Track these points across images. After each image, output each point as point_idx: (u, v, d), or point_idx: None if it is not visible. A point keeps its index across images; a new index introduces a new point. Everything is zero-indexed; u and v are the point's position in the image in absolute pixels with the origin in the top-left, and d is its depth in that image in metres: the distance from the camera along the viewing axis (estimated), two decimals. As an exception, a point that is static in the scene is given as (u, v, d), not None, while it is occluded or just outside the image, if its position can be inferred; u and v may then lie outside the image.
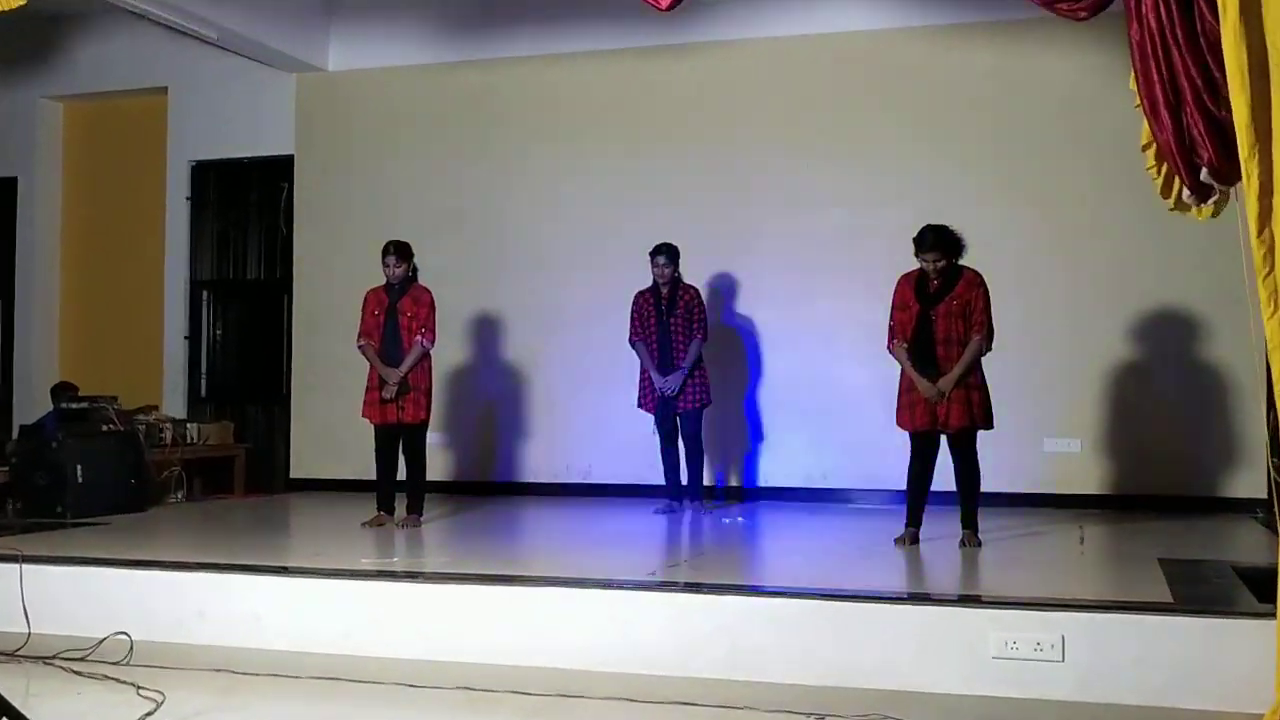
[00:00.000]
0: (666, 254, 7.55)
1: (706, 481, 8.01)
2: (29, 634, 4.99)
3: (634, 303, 7.71)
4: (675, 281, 7.61)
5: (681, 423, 7.61)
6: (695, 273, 7.96)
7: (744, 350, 8.53)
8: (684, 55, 8.75)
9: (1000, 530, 6.53)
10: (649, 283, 7.70)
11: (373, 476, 7.09)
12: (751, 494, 8.43)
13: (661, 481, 7.79)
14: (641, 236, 8.10)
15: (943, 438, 6.04)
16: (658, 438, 7.68)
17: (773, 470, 8.42)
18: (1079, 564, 5.79)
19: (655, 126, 8.83)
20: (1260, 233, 3.75)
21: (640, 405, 7.68)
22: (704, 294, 7.90)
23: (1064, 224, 8.03)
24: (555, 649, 4.67)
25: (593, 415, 8.73)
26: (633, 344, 7.67)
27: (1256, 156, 3.72)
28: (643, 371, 7.63)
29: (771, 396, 8.47)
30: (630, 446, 8.45)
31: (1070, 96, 8.01)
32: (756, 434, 8.49)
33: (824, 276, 8.36)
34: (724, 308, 8.54)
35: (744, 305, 8.57)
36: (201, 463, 9.09)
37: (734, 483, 8.51)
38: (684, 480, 7.70)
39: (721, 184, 8.63)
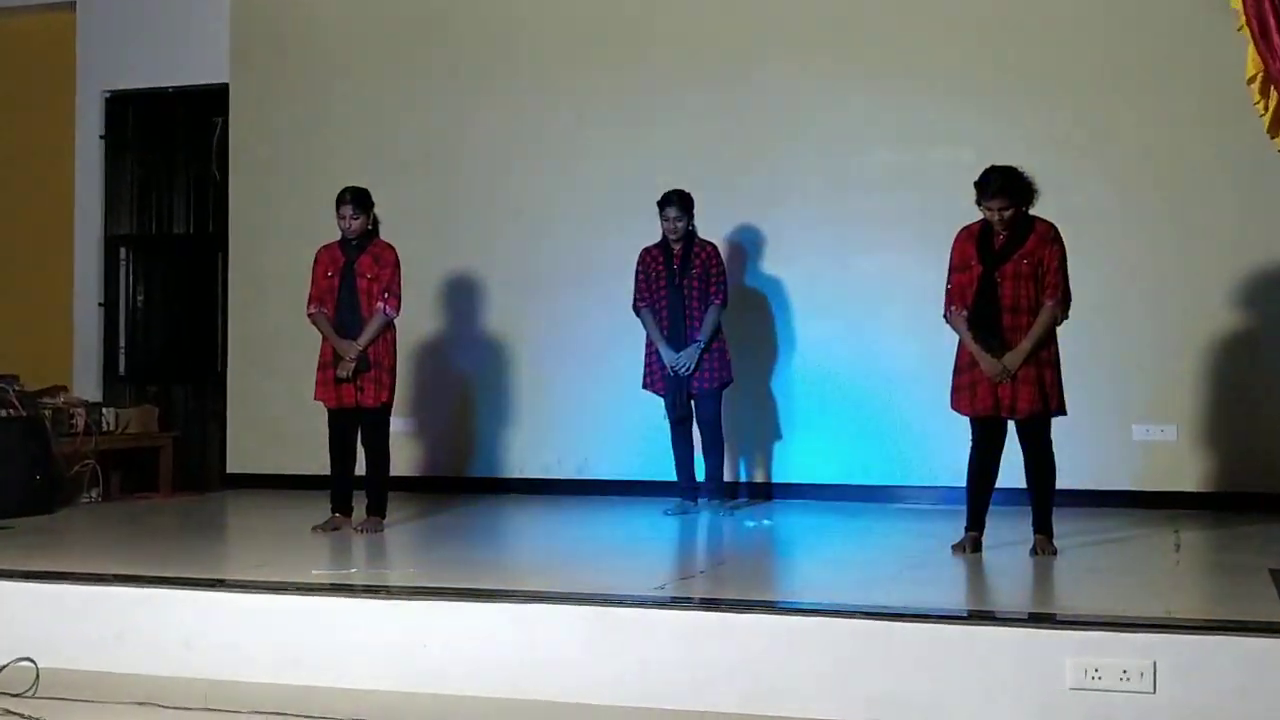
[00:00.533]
0: (678, 204, 7.53)
1: (727, 477, 8.02)
2: (-86, 660, 5.00)
3: (639, 262, 7.69)
4: (689, 236, 7.60)
5: (697, 406, 7.61)
6: (711, 226, 7.94)
7: (771, 318, 8.52)
8: (698, -38, 8.74)
9: (1079, 535, 6.52)
10: (657, 237, 7.68)
11: (326, 471, 7.11)
12: (780, 492, 8.45)
13: (672, 477, 7.80)
14: (646, 182, 8.07)
15: (1010, 425, 6.04)
16: (668, 424, 7.68)
17: (805, 463, 8.43)
18: (1174, 576, 5.78)
19: (663, 49, 8.79)
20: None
21: (647, 386, 7.68)
22: (723, 251, 7.89)
23: (1157, 168, 7.99)
24: (545, 678, 4.67)
25: (589, 398, 8.74)
26: (638, 311, 7.66)
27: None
28: (650, 344, 7.63)
29: (804, 374, 8.47)
30: (634, 435, 8.45)
31: (1167, 15, 7.97)
32: (787, 419, 8.49)
33: (866, 230, 8.35)
34: (746, 267, 8.53)
35: (770, 264, 8.55)
36: (120, 455, 9.09)
37: (759, 478, 8.52)
38: (699, 475, 7.71)
39: (742, 118, 8.60)
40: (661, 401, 7.69)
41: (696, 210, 7.62)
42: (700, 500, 7.68)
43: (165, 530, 7.56)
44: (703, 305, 7.54)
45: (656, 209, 7.58)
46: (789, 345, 8.53)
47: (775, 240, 8.55)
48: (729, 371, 7.64)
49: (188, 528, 7.72)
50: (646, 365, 7.67)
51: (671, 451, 7.72)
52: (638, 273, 7.68)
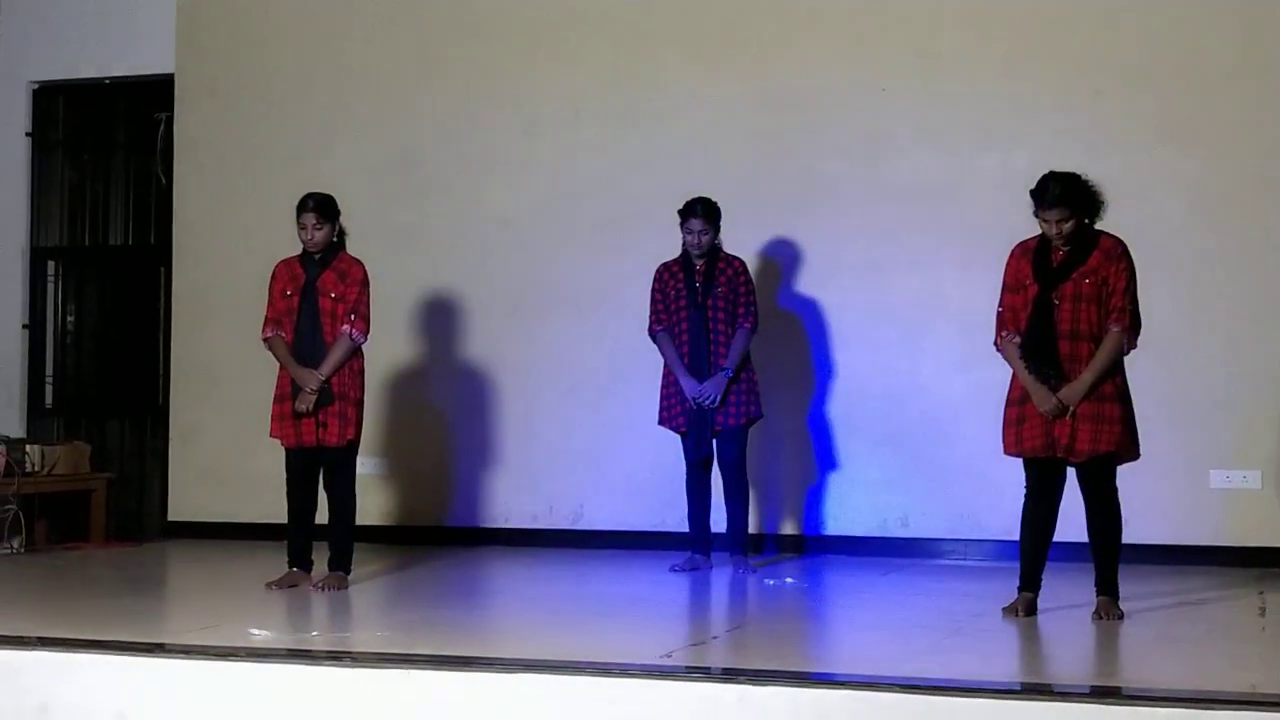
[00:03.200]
0: (704, 214, 7.55)
1: (750, 528, 7.98)
2: None
3: (656, 279, 7.72)
4: (714, 251, 7.63)
5: (719, 446, 7.61)
6: (737, 240, 7.96)
7: (796, 345, 8.54)
8: (714, -62, 8.79)
9: (1149, 597, 6.52)
10: (667, 254, 7.71)
11: (282, 519, 7.11)
12: (811, 545, 8.46)
13: (679, 528, 7.81)
14: (652, 190, 8.11)
15: (1070, 469, 6.04)
16: (684, 466, 7.69)
17: (839, 513, 8.43)
18: (1259, 643, 5.77)
19: (672, 37, 8.84)
20: None
21: (664, 422, 7.68)
22: (750, 268, 7.91)
23: (1240, 176, 8.01)
24: (533, 759, 4.67)
25: (585, 437, 8.76)
26: (654, 335, 7.69)
27: None
28: (668, 374, 7.64)
29: (837, 410, 8.49)
30: (637, 480, 8.47)
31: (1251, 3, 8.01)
32: (823, 462, 8.50)
33: (909, 244, 8.38)
34: (776, 287, 8.56)
35: (803, 283, 8.58)
36: (47, 499, 9.10)
37: (788, 529, 8.53)
38: (716, 526, 7.71)
39: (771, 120, 8.64)
40: (675, 440, 7.69)
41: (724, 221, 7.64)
42: (712, 555, 7.68)
43: (97, 586, 7.56)
44: (729, 328, 7.56)
45: (678, 219, 7.59)
46: (819, 376, 8.55)
47: (809, 256, 8.56)
48: (758, 406, 7.65)
49: (123, 583, 7.71)
50: (664, 398, 7.67)
51: (686, 497, 7.71)
52: (654, 292, 7.70)
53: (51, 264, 10.19)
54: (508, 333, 8.98)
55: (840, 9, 8.62)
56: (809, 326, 8.55)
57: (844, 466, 8.45)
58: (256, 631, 5.63)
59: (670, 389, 7.64)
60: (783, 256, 8.59)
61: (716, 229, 7.60)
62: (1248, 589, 6.97)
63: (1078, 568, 6.29)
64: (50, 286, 10.19)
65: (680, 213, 7.60)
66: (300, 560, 7.03)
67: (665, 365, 7.65)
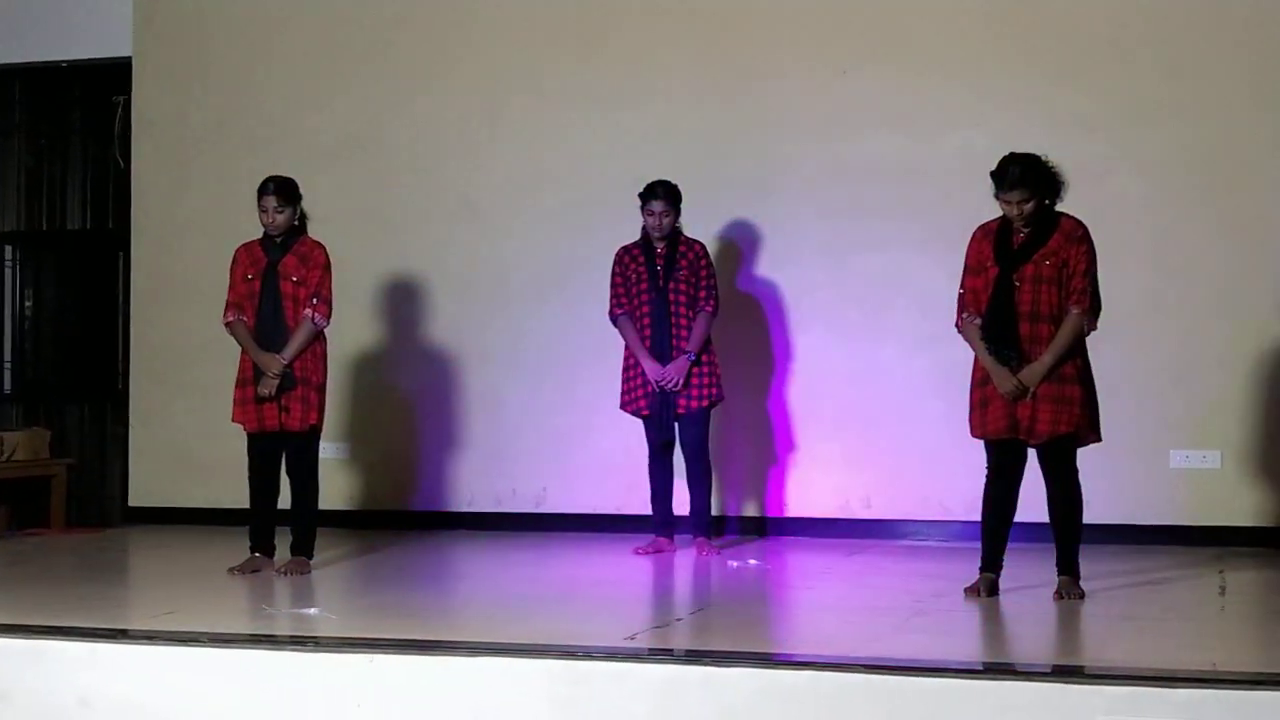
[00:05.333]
0: (665, 196, 7.55)
1: (713, 510, 8.01)
2: None
3: (616, 263, 7.72)
4: (675, 235, 7.63)
5: (681, 429, 7.62)
6: (696, 223, 7.95)
7: (757, 327, 8.55)
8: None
9: (1110, 576, 6.56)
10: (631, 236, 7.70)
11: (244, 504, 7.09)
12: (773, 527, 8.48)
13: (642, 510, 7.82)
14: (616, 173, 8.09)
15: (1031, 451, 6.07)
16: (647, 450, 7.69)
17: (802, 495, 8.46)
18: (1218, 622, 5.82)
19: (635, 20, 8.82)
20: None
21: (626, 406, 7.69)
22: (710, 251, 7.91)
23: (1200, 158, 8.05)
24: (498, 742, 4.67)
25: (548, 420, 8.75)
26: (615, 319, 7.68)
27: None
28: (629, 358, 7.64)
29: (799, 392, 8.50)
30: (601, 463, 8.47)
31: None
32: (780, 444, 8.52)
33: (870, 226, 8.38)
34: (736, 270, 8.56)
35: (763, 265, 8.58)
36: (6, 485, 9.05)
37: (750, 511, 8.55)
38: (679, 508, 7.73)
39: (730, 102, 8.63)
40: (637, 423, 7.70)
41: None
42: (675, 538, 7.69)
43: (58, 572, 7.52)
44: (690, 312, 7.56)
45: (638, 202, 7.59)
46: (779, 358, 8.56)
47: (764, 239, 8.58)
48: (719, 389, 7.66)
49: (84, 569, 7.67)
50: (626, 382, 7.67)
51: (649, 480, 7.72)
52: (614, 275, 7.69)
53: (9, 249, 10.13)
54: (470, 316, 8.96)
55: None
56: (769, 309, 8.56)
57: (805, 448, 8.47)
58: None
59: (631, 373, 7.64)
60: (742, 239, 8.59)
61: (678, 211, 7.59)
62: (1208, 568, 7.02)
63: (1038, 548, 6.31)
64: (8, 271, 10.13)
65: (641, 195, 7.59)
66: (263, 545, 7.00)
67: (626, 349, 7.65)
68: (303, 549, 7.00)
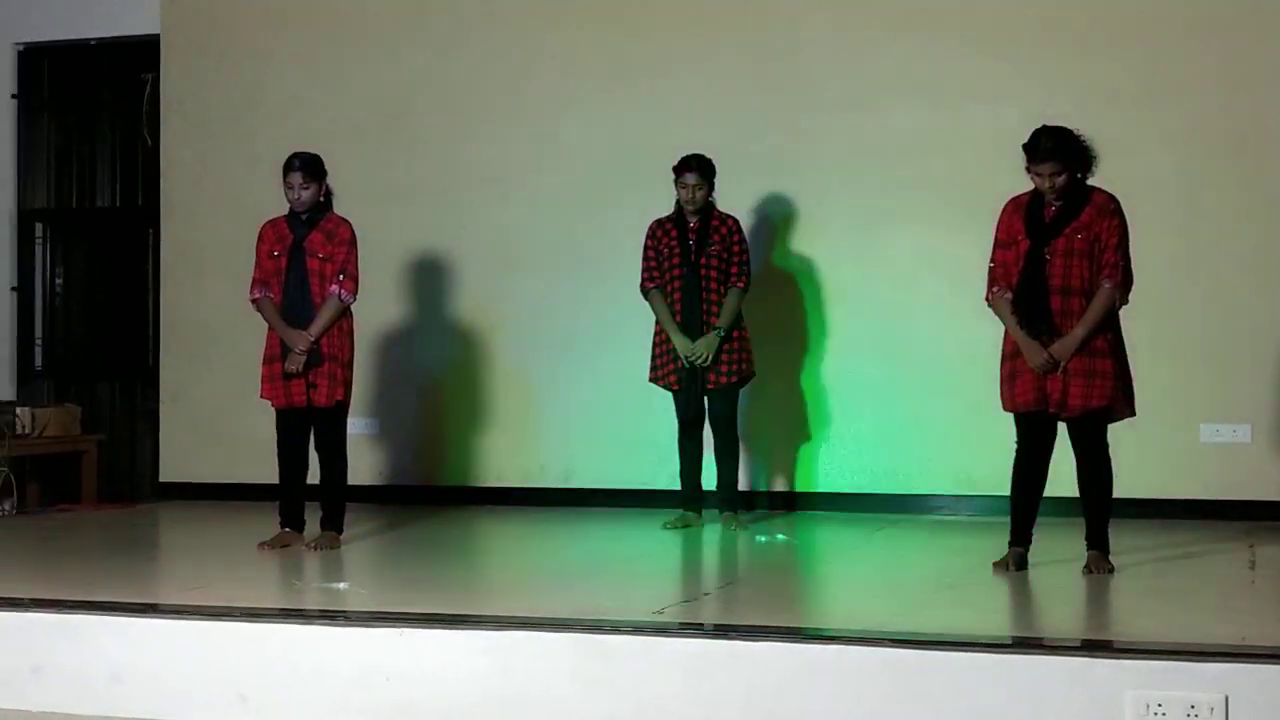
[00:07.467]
0: (699, 169, 7.53)
1: (741, 485, 8.01)
2: None
3: (649, 236, 7.70)
4: (708, 209, 7.61)
5: (710, 404, 7.62)
6: (727, 197, 7.92)
7: (796, 302, 8.53)
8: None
9: (1140, 550, 6.54)
10: (665, 209, 7.69)
11: (273, 479, 7.11)
12: (802, 502, 8.48)
13: (671, 486, 7.82)
14: (643, 147, 8.07)
15: (1061, 425, 6.05)
16: (676, 425, 7.69)
17: (831, 469, 8.45)
18: (1249, 596, 5.79)
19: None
20: None
21: (655, 379, 7.68)
22: (742, 226, 7.89)
23: (1232, 132, 8.00)
24: (526, 717, 4.67)
25: (576, 395, 8.76)
26: (646, 292, 7.67)
27: None
28: (659, 332, 7.64)
29: (828, 368, 8.48)
30: (628, 438, 8.48)
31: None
32: (809, 420, 8.50)
33: (901, 199, 8.36)
34: (768, 245, 8.54)
35: (795, 240, 8.56)
36: (38, 461, 9.09)
37: (779, 486, 8.55)
38: (706, 484, 7.73)
39: (760, 76, 8.61)
40: (666, 398, 7.70)
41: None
42: (709, 512, 7.69)
43: (89, 547, 7.55)
44: (722, 287, 7.54)
45: (669, 176, 7.56)
46: (808, 335, 8.54)
47: (794, 214, 8.55)
48: (750, 365, 7.65)
49: (115, 544, 7.70)
50: (655, 355, 7.67)
51: (677, 456, 7.72)
52: (646, 248, 7.67)
53: (39, 226, 10.16)
54: (498, 291, 8.96)
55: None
56: (800, 283, 8.54)
57: (835, 423, 8.45)
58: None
59: (661, 347, 7.63)
60: (773, 214, 8.57)
61: (711, 185, 7.57)
62: (1237, 542, 6.99)
63: (1068, 522, 6.31)
64: (38, 249, 10.17)
65: (675, 168, 7.57)
66: (292, 520, 7.03)
67: (657, 323, 7.64)
68: (332, 524, 7.02)
